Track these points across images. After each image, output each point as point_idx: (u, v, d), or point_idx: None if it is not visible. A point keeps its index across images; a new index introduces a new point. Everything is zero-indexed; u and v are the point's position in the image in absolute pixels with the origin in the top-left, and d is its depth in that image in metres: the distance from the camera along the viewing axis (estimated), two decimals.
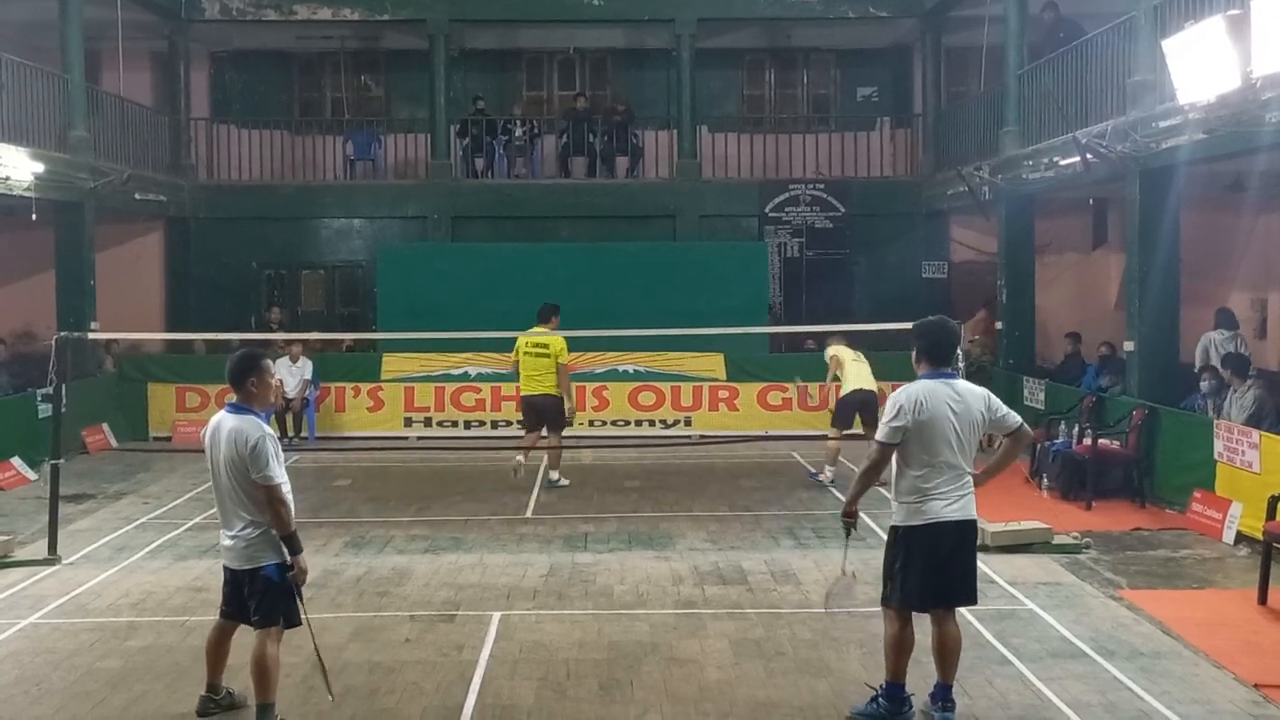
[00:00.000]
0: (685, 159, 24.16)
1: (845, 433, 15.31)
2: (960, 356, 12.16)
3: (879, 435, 7.37)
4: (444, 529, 13.13)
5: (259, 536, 7.33)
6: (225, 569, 7.60)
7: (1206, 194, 17.22)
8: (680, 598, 10.34)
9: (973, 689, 7.97)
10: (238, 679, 7.83)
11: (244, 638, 7.55)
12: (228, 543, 7.45)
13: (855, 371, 15.43)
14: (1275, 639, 9.20)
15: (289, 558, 7.33)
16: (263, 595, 7.35)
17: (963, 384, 7.50)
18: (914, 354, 7.57)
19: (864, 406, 15.16)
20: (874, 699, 7.54)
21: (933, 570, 7.32)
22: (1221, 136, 12.79)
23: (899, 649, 7.44)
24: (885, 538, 7.68)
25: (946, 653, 7.48)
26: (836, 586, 7.98)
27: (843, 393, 15.46)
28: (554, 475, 15.46)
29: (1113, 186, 16.86)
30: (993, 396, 7.56)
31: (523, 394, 15.44)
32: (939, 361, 7.47)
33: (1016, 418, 7.58)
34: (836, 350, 15.78)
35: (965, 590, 7.49)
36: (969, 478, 7.40)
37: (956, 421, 7.27)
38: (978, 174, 20.10)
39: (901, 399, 7.30)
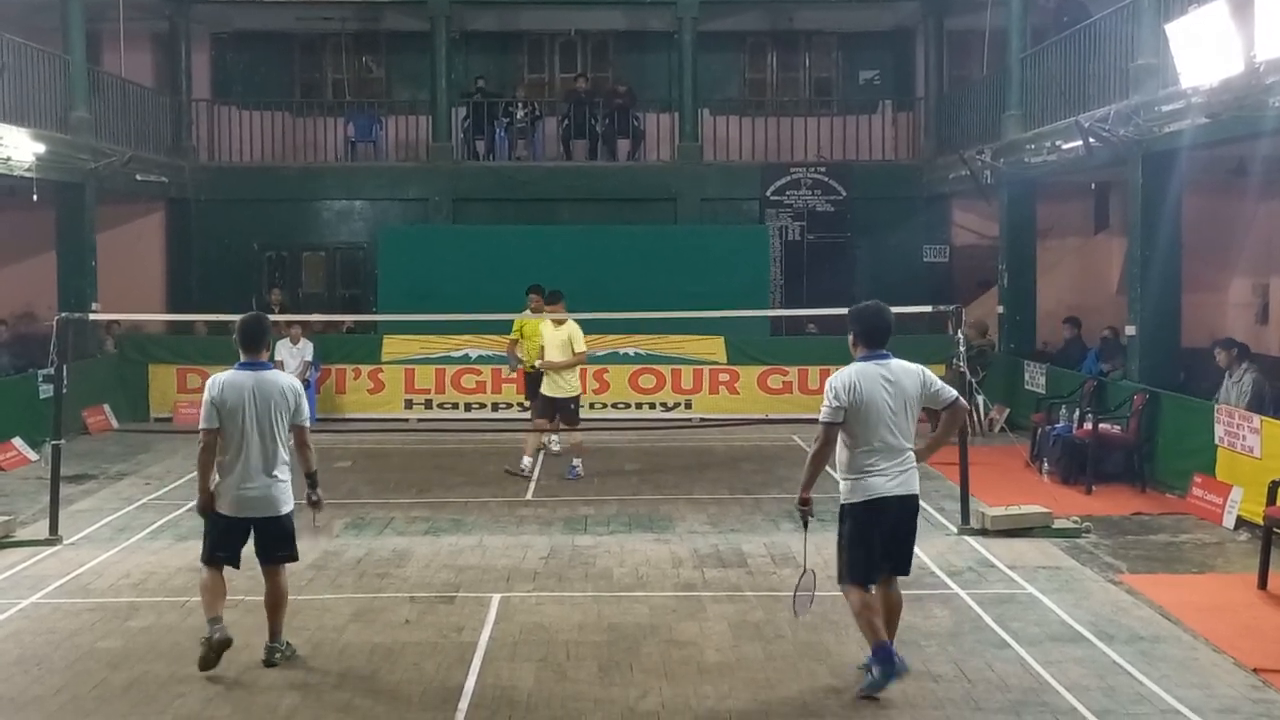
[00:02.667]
0: (687, 142, 24.12)
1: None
2: (960, 341, 12.27)
3: (821, 418, 7.64)
4: (444, 511, 13.14)
5: (286, 483, 8.10)
6: (230, 519, 8.01)
7: (1209, 179, 17.19)
8: (680, 580, 10.35)
9: (972, 672, 7.99)
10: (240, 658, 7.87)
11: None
12: (255, 493, 7.97)
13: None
14: (1275, 624, 9.20)
15: (313, 493, 8.26)
16: (287, 538, 8.15)
17: (897, 363, 7.72)
18: (850, 338, 7.86)
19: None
20: (867, 669, 7.67)
21: (878, 544, 7.61)
22: (1224, 121, 12.75)
23: (869, 613, 7.63)
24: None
25: (890, 614, 7.79)
26: (800, 588, 8.01)
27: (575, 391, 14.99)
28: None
29: (1115, 171, 16.83)
30: (928, 371, 7.85)
31: None
32: (874, 344, 7.74)
33: (952, 392, 7.89)
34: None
35: (903, 561, 7.81)
36: (910, 454, 7.66)
37: (891, 399, 7.56)
38: (979, 158, 20.07)
39: (835, 383, 7.63)
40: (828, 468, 7.78)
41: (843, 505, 7.72)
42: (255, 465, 7.94)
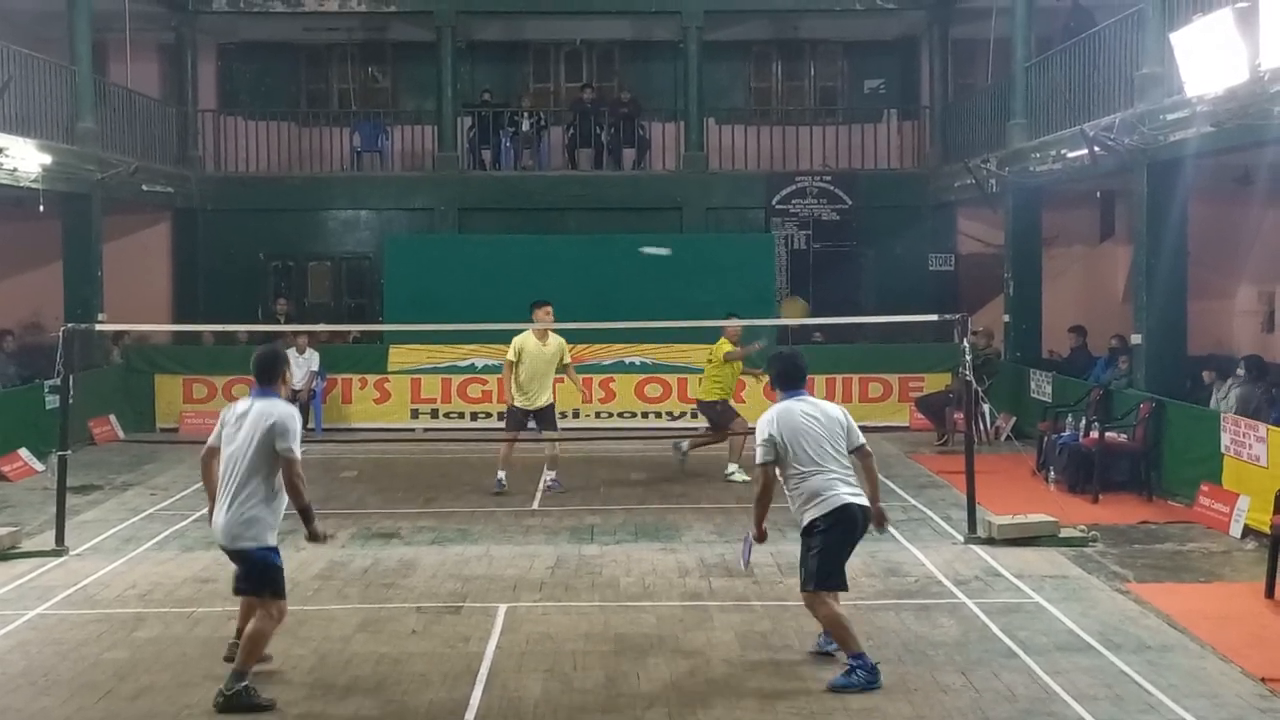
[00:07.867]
0: (692, 151, 24.15)
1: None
2: (966, 349, 12.26)
3: (755, 461, 8.25)
4: (450, 520, 13.14)
5: (253, 518, 7.64)
6: (218, 543, 7.92)
7: (1214, 187, 17.18)
8: (686, 590, 10.35)
9: (979, 682, 7.98)
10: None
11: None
12: (219, 519, 7.71)
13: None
14: None
15: (306, 528, 7.84)
16: (249, 574, 7.77)
17: (816, 399, 8.52)
18: (768, 383, 8.64)
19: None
20: (852, 670, 7.94)
21: (844, 552, 8.21)
22: (1229, 129, 12.75)
23: (845, 621, 8.12)
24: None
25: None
26: (746, 548, 9.08)
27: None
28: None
29: (1120, 179, 16.82)
30: (848, 414, 8.40)
31: None
32: (790, 385, 8.42)
33: (863, 437, 8.38)
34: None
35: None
36: (852, 472, 8.24)
37: (818, 425, 8.18)
38: (985, 166, 20.07)
39: (761, 423, 8.27)
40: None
41: (810, 523, 8.13)
42: (227, 491, 7.67)
